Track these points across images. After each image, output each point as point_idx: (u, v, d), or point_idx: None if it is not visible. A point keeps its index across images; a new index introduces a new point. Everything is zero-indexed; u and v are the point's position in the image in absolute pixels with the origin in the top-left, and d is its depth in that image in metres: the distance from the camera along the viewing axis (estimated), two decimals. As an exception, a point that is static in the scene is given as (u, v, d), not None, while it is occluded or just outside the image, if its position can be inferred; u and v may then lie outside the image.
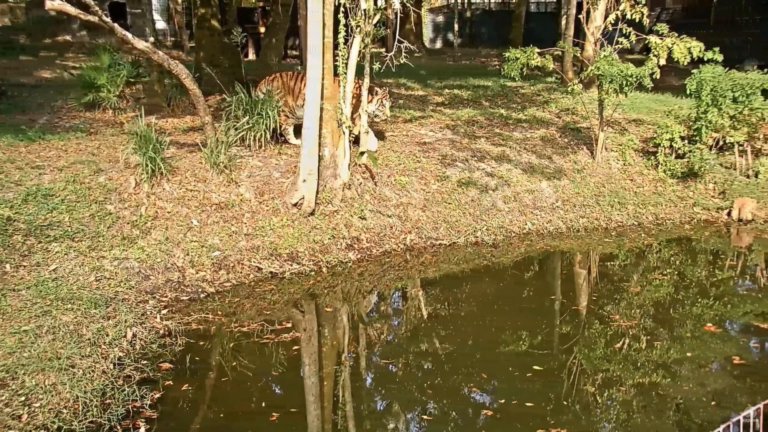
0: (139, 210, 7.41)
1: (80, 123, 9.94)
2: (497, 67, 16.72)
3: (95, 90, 10.51)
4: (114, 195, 7.49)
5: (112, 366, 5.12)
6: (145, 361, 5.32)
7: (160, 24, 20.78)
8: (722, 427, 2.33)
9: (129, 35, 7.87)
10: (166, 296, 6.55)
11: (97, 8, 7.37)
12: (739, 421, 2.36)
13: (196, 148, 8.58)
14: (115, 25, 7.60)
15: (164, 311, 6.26)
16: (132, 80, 10.86)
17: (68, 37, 19.13)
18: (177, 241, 7.23)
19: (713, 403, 4.91)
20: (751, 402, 4.31)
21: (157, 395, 4.89)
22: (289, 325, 6.28)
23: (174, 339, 5.78)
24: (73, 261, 6.47)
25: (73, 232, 6.79)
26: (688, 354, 5.69)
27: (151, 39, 10.77)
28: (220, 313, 6.41)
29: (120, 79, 10.61)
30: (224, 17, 13.46)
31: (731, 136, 10.36)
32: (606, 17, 10.59)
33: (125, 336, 5.57)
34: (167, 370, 5.29)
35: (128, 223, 7.21)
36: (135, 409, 4.67)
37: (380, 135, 9.87)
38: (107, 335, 5.46)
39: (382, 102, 9.37)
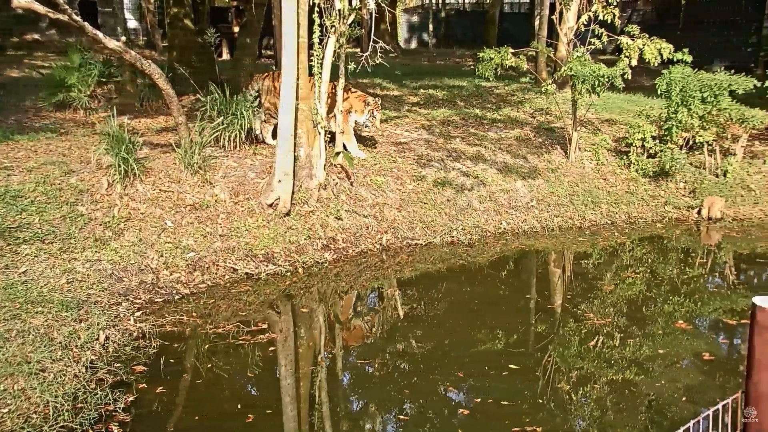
0: (111, 211, 7.31)
1: (50, 123, 9.77)
2: (472, 67, 16.81)
3: (66, 90, 10.35)
4: (86, 196, 7.38)
5: (84, 369, 5.04)
6: (119, 364, 5.26)
7: (132, 23, 20.50)
8: (692, 422, 2.37)
9: (100, 34, 7.76)
10: (140, 298, 6.47)
11: (66, 6, 7.25)
12: (708, 416, 2.40)
13: (170, 148, 8.49)
14: (86, 24, 7.48)
15: (138, 313, 6.18)
16: (104, 80, 10.71)
17: (37, 36, 18.79)
18: (151, 242, 7.14)
19: (684, 398, 5.00)
20: (720, 397, 4.39)
21: (131, 398, 4.83)
22: (265, 326, 6.25)
23: (148, 341, 5.71)
24: (44, 263, 6.36)
25: (44, 234, 6.67)
26: (660, 351, 5.78)
27: (123, 38, 10.59)
28: (195, 314, 6.35)
29: (91, 79, 10.46)
30: (197, 17, 13.31)
31: (700, 136, 10.54)
32: (578, 18, 10.71)
33: (98, 339, 5.49)
34: (141, 373, 5.22)
35: (101, 225, 7.11)
36: (108, 412, 4.61)
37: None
38: (79, 338, 5.38)
39: (372, 113, 9.34)
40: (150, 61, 8.22)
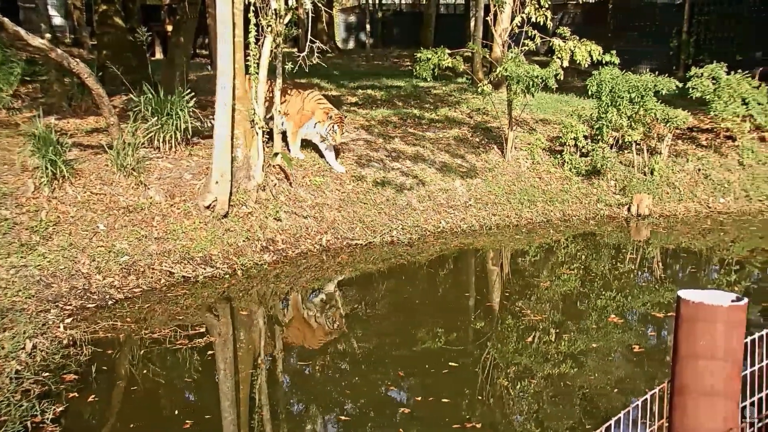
0: (38, 215, 7.02)
1: (-30, 123, 9.31)
2: (409, 67, 16.89)
3: (-16, 89, 9.89)
4: (9, 200, 7.06)
5: (8, 380, 4.81)
6: (47, 374, 5.05)
7: (58, 20, 19.64)
8: (623, 412, 2.45)
9: (22, 31, 7.44)
10: (71, 304, 6.23)
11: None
12: (637, 405, 2.50)
13: (102, 149, 8.21)
14: (5, 19, 7.16)
15: (68, 320, 5.95)
16: (28, 79, 10.28)
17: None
18: (82, 246, 6.90)
19: (616, 390, 5.17)
20: (648, 387, 4.57)
21: (60, 408, 4.64)
22: (203, 329, 6.12)
23: (79, 349, 5.50)
24: (-35, 271, 6.05)
25: (-35, 240, 6.36)
26: (594, 345, 5.96)
27: (48, 35, 10.21)
28: (129, 319, 6.16)
29: (14, 77, 10.02)
30: (128, 14, 12.91)
31: (629, 136, 10.91)
32: (512, 20, 10.93)
33: (24, 348, 5.26)
34: (71, 382, 5.03)
35: (27, 229, 6.81)
36: (35, 425, 4.41)
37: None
38: (2, 348, 5.14)
39: (333, 128, 9.04)
40: (78, 60, 7.94)
